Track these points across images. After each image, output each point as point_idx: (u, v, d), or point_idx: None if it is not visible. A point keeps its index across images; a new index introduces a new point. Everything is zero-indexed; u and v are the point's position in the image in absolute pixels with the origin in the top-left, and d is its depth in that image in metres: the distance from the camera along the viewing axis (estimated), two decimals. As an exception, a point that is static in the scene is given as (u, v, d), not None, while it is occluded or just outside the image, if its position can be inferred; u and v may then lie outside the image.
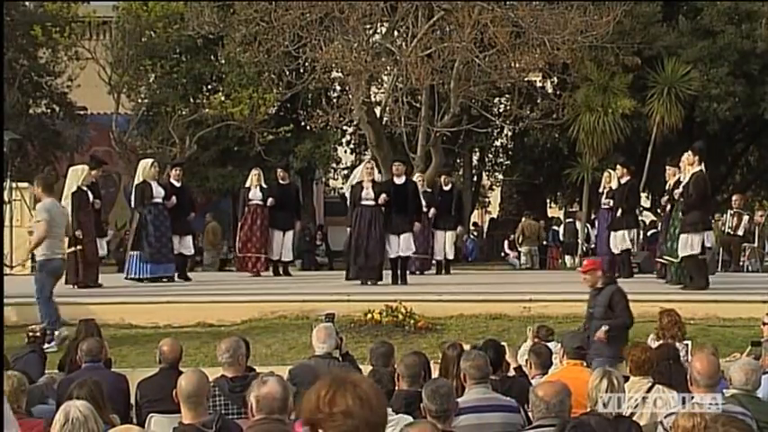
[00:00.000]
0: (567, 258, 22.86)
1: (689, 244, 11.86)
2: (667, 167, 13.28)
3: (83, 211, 13.15)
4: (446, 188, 16.38)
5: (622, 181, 14.62)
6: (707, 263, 12.72)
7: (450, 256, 16.43)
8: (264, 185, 15.32)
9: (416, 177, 16.42)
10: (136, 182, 14.41)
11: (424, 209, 15.56)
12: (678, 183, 12.57)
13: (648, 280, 14.32)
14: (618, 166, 14.87)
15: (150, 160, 14.96)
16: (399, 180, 13.99)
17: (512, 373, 6.94)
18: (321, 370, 6.49)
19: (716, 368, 5.44)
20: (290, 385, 4.85)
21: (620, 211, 14.37)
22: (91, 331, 8.05)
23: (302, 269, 20.08)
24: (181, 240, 14.65)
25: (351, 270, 13.93)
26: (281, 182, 15.67)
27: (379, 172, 20.82)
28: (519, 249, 23.31)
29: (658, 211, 22.45)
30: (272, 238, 15.25)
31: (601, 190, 15.49)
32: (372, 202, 13.49)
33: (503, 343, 7.16)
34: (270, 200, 15.08)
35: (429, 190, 16.26)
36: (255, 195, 15.16)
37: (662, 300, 10.75)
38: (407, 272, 14.08)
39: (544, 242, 23.77)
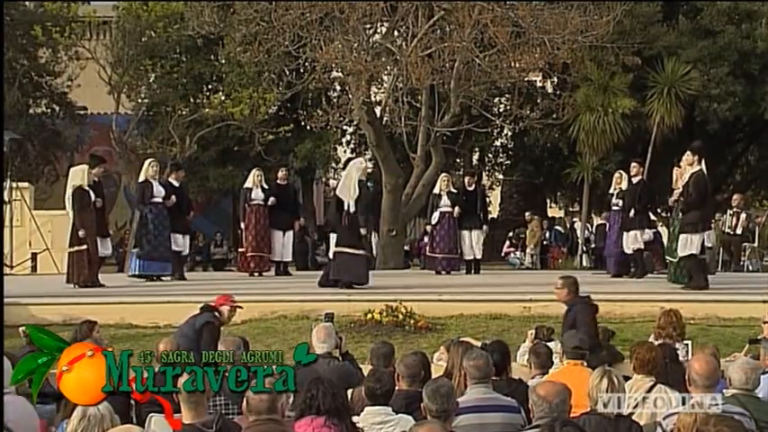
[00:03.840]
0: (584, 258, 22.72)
1: (688, 244, 11.85)
2: (675, 169, 13.23)
3: (84, 211, 13.20)
4: (470, 188, 16.59)
5: (634, 180, 14.56)
6: (707, 263, 12.69)
7: (479, 256, 16.54)
8: (266, 185, 15.38)
9: (442, 177, 16.63)
10: (139, 180, 14.52)
11: (449, 208, 15.93)
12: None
13: (649, 279, 14.31)
14: (633, 164, 14.80)
15: (151, 159, 15.05)
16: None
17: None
18: (321, 369, 6.49)
19: (714, 369, 5.43)
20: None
21: (632, 211, 14.34)
22: (84, 334, 8.03)
23: (297, 269, 20.10)
24: (180, 239, 14.74)
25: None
26: (279, 182, 15.72)
27: (379, 172, 20.94)
28: (526, 249, 23.14)
29: (658, 210, 22.49)
30: (273, 239, 15.32)
31: (611, 191, 15.42)
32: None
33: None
34: (271, 199, 15.14)
35: (455, 191, 16.40)
36: (258, 195, 15.20)
37: (662, 300, 10.76)
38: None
39: (544, 242, 23.73)
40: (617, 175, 15.30)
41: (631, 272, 14.62)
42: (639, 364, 6.25)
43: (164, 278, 14.36)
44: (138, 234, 14.44)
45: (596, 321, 8.75)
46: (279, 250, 15.46)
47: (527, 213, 24.26)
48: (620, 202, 14.78)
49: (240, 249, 15.91)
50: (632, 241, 14.34)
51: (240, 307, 9.10)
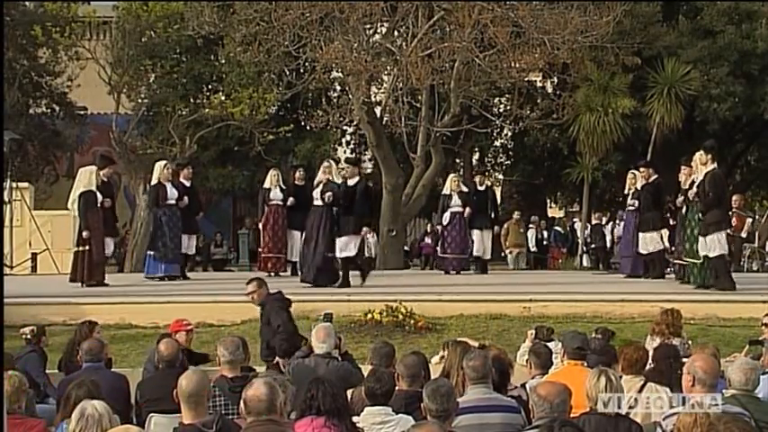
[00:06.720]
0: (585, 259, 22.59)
1: (716, 243, 11.73)
2: (682, 167, 13.10)
3: (90, 211, 13.29)
4: (481, 188, 16.65)
5: (649, 180, 14.43)
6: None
7: (488, 255, 16.64)
8: (283, 186, 15.32)
9: (452, 178, 16.62)
10: (153, 183, 14.59)
11: (460, 209, 15.89)
12: (693, 183, 12.31)
13: (649, 280, 14.29)
14: (642, 169, 14.69)
15: (164, 162, 15.10)
16: (351, 181, 13.49)
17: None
18: (320, 369, 6.49)
19: (716, 368, 5.45)
20: (288, 385, 4.87)
21: (648, 211, 14.22)
22: (84, 334, 8.04)
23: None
24: (188, 240, 14.84)
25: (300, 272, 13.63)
26: (297, 183, 15.60)
27: (379, 172, 20.94)
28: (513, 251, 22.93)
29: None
30: (291, 239, 15.26)
31: (626, 191, 15.30)
32: (320, 203, 13.23)
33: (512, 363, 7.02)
34: (291, 200, 15.09)
35: (465, 190, 16.37)
36: (276, 196, 15.16)
37: (662, 300, 10.75)
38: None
39: (545, 242, 23.69)
40: (630, 175, 15.13)
41: (648, 273, 14.47)
42: (627, 364, 6.29)
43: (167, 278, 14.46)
44: (153, 236, 14.61)
45: (292, 317, 8.90)
46: (298, 250, 15.35)
47: (515, 213, 23.58)
48: (636, 203, 14.70)
49: (258, 249, 15.87)
50: (650, 242, 14.24)
51: (195, 327, 9.09)
